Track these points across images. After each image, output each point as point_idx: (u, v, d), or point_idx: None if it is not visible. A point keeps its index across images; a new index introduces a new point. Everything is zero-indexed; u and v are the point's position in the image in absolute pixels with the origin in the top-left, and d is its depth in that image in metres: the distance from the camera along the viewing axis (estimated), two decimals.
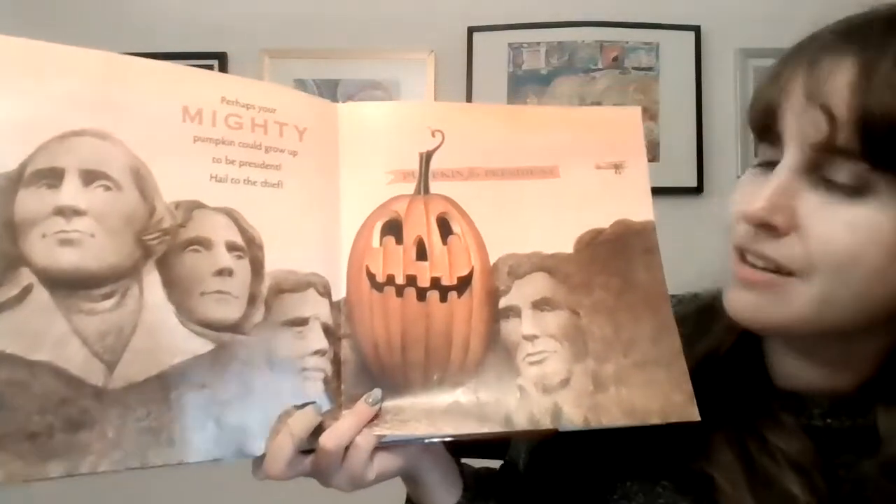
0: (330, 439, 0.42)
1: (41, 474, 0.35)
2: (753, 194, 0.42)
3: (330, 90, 1.49)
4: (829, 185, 0.40)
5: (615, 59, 1.48)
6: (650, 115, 1.47)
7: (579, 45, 1.48)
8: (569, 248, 0.50)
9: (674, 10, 1.49)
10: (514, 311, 0.48)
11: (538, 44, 1.49)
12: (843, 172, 0.39)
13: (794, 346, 0.47)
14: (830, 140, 0.38)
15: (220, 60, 1.49)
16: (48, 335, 0.36)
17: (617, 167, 0.52)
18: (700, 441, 0.46)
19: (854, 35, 0.40)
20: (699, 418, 0.45)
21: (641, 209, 0.51)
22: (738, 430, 0.46)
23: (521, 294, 0.48)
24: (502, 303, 0.48)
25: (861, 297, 0.40)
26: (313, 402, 0.43)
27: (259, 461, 0.42)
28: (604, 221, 0.50)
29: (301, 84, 1.48)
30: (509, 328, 0.48)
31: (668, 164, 1.45)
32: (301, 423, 0.42)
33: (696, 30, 1.48)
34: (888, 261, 0.38)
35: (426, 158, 0.49)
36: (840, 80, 0.38)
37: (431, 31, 1.49)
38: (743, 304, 0.43)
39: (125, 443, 0.37)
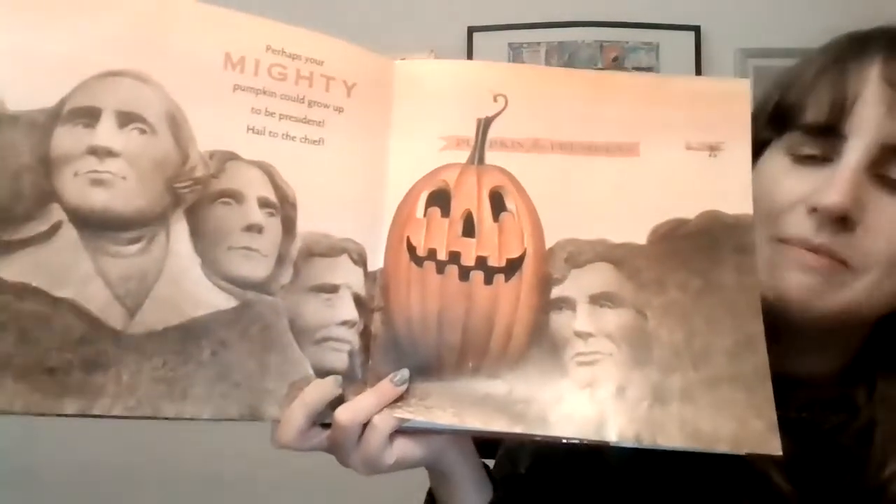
0: (344, 413, 0.40)
1: (56, 409, 0.35)
2: (802, 187, 0.44)
3: None
4: (890, 184, 0.42)
5: (615, 59, 1.47)
6: None
7: (579, 45, 1.48)
8: (642, 239, 0.43)
9: (674, 10, 1.46)
10: (567, 304, 0.42)
11: (538, 44, 1.49)
12: None
13: (789, 335, 0.46)
14: None
15: None
16: (73, 273, 0.36)
17: (712, 149, 0.45)
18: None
19: None
20: (780, 452, 0.38)
21: (738, 200, 0.43)
22: None
23: (578, 285, 0.43)
24: (555, 292, 0.43)
25: None
26: (335, 374, 0.41)
27: (277, 428, 0.41)
28: (689, 211, 0.43)
29: None
30: (560, 321, 0.42)
31: None
32: (316, 394, 0.40)
33: (696, 30, 1.46)
34: None
35: (484, 125, 0.44)
36: None
37: (431, 31, 1.48)
38: (806, 286, 0.44)
39: (139, 390, 0.37)
